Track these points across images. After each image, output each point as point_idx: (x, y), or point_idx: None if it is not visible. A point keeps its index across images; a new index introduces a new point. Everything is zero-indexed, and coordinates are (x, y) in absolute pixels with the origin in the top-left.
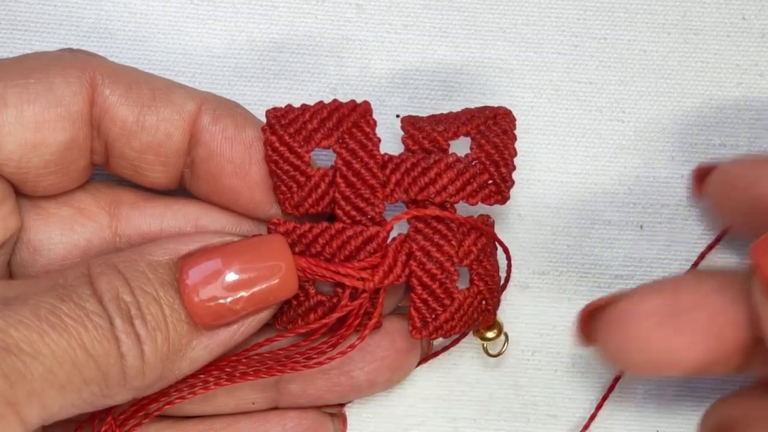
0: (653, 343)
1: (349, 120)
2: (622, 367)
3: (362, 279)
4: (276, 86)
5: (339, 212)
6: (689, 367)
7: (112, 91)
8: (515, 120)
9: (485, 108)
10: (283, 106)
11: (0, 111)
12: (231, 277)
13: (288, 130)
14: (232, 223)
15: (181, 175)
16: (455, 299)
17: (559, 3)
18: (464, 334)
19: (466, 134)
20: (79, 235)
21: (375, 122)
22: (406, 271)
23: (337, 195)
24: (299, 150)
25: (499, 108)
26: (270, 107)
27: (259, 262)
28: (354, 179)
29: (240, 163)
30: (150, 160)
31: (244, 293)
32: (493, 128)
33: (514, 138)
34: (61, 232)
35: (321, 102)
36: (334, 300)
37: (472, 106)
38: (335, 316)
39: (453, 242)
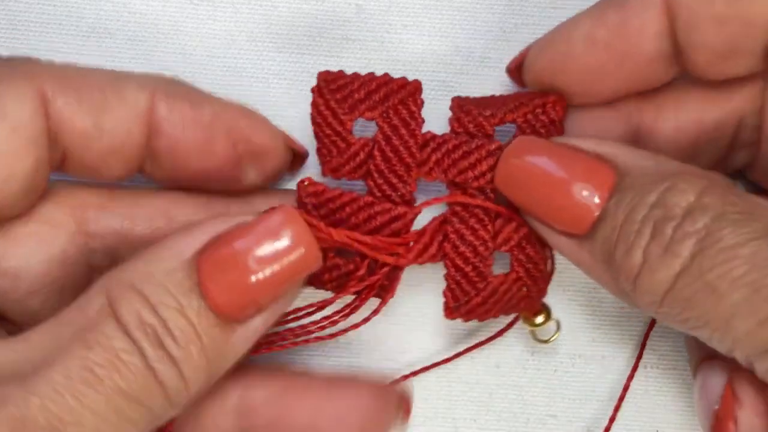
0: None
1: (396, 96)
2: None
3: (396, 255)
4: (276, 86)
5: (371, 184)
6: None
7: (65, 101)
8: (566, 107)
9: (535, 95)
10: (285, 102)
11: None
12: (251, 263)
13: (335, 95)
14: (202, 206)
15: (141, 165)
16: (489, 283)
17: (560, 3)
18: (511, 324)
19: (513, 121)
20: (53, 248)
21: (422, 102)
22: (441, 252)
23: (372, 167)
24: (343, 117)
25: (550, 96)
26: (264, 111)
27: (275, 239)
28: (391, 155)
29: (204, 145)
30: (111, 161)
31: (268, 276)
32: (541, 118)
33: (561, 130)
34: (34, 251)
35: (372, 74)
36: (351, 267)
37: None
38: (352, 288)
39: (489, 227)
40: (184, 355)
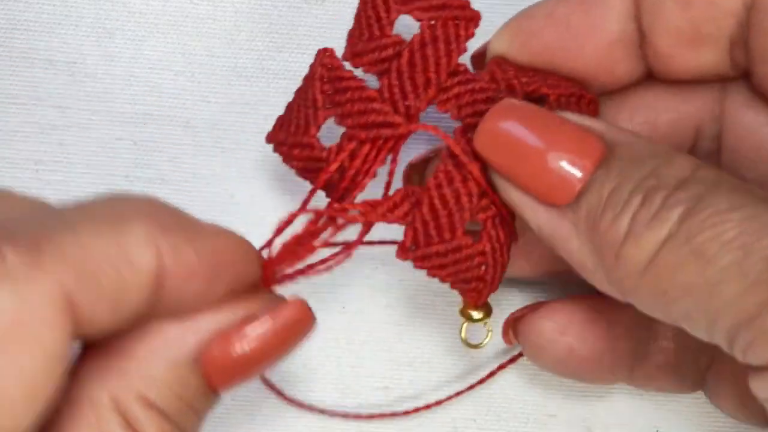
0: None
1: (451, 12)
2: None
3: (361, 213)
4: (276, 86)
5: (384, 82)
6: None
7: (83, 296)
8: (598, 110)
9: (575, 85)
10: (285, 102)
11: None
12: (262, 361)
13: None
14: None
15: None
16: (456, 238)
17: None
18: (506, 363)
19: (545, 95)
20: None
21: (473, 34)
22: (408, 218)
23: (393, 65)
24: (392, 4)
25: (587, 93)
26: (264, 111)
27: (286, 337)
28: (419, 61)
29: (205, 290)
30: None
31: (269, 364)
32: (573, 106)
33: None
34: None
35: None
36: (323, 154)
37: None
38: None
39: (480, 185)
40: None
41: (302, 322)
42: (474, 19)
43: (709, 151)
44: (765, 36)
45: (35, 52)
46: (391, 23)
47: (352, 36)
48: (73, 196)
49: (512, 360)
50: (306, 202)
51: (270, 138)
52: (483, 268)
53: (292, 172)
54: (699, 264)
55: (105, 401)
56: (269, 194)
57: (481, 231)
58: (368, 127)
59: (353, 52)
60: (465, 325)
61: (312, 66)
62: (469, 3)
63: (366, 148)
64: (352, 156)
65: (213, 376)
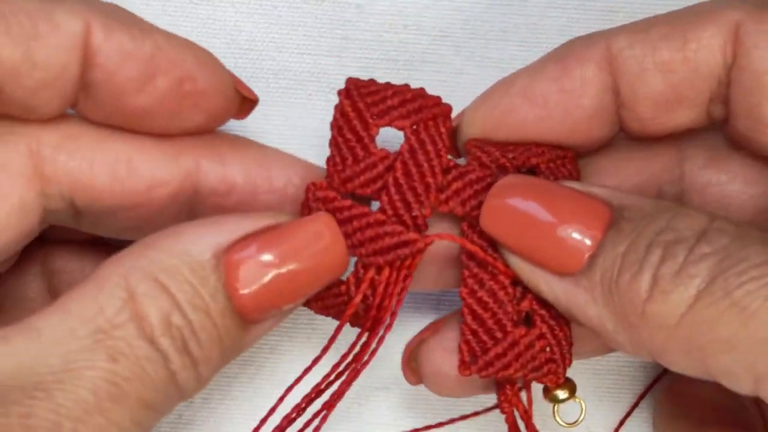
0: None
1: (429, 111)
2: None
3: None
4: (276, 86)
5: (384, 199)
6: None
7: None
8: (577, 163)
9: (551, 147)
10: (285, 101)
11: None
12: (282, 269)
13: (365, 99)
14: (170, 159)
15: (74, 100)
16: (509, 333)
17: (560, 3)
18: (527, 385)
19: (535, 166)
20: (12, 198)
21: (453, 128)
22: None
23: (389, 180)
24: (370, 121)
25: (568, 150)
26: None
27: (309, 248)
28: (413, 170)
29: (143, 80)
30: (44, 96)
31: (295, 284)
32: (561, 169)
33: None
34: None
35: (407, 85)
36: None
37: None
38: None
39: (510, 272)
40: (205, 357)
41: (329, 241)
42: (448, 112)
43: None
44: (745, 94)
45: None
46: (372, 139)
47: (335, 162)
48: None
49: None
50: (332, 339)
51: None
52: (548, 350)
53: None
54: (741, 319)
55: (114, 278)
56: None
57: (532, 316)
58: (385, 251)
59: (342, 179)
60: (556, 408)
61: (304, 203)
62: (440, 98)
63: (386, 272)
64: (374, 284)
65: (234, 282)
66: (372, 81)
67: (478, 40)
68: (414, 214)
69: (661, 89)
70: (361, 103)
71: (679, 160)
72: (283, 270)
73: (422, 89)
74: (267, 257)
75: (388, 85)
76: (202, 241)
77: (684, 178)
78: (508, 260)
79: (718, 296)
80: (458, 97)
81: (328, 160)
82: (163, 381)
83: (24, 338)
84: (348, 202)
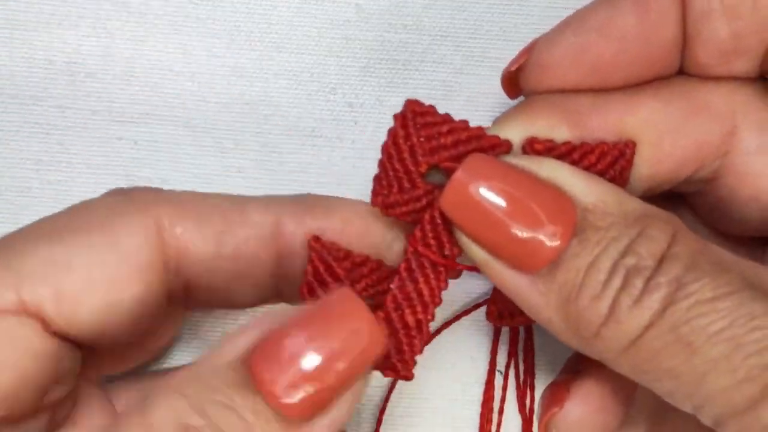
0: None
1: (478, 143)
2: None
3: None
4: (276, 86)
5: (418, 234)
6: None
7: (184, 228)
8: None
9: (604, 143)
10: (285, 101)
11: (66, 277)
12: (309, 356)
13: (420, 132)
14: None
15: (276, 291)
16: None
17: (560, 3)
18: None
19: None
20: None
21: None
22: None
23: (426, 217)
24: (420, 158)
25: (628, 143)
26: (264, 111)
27: (334, 327)
28: None
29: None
30: (239, 287)
31: (330, 369)
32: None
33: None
34: None
35: (465, 122)
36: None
37: (471, 106)
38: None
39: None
40: None
41: (348, 313)
42: (507, 150)
43: (701, 179)
44: None
45: (35, 52)
46: (421, 174)
47: (380, 185)
48: (73, 196)
49: (477, 306)
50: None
51: None
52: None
53: (292, 171)
54: (685, 353)
55: (139, 415)
56: (269, 194)
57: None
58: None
59: (386, 204)
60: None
61: (310, 259)
62: (498, 138)
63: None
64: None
65: (259, 373)
66: (431, 109)
67: (478, 39)
68: (447, 253)
69: (724, 35)
70: (415, 137)
71: (731, 136)
72: (312, 356)
73: (480, 129)
74: (288, 347)
75: (446, 118)
76: (223, 348)
77: (731, 156)
78: (460, 240)
79: (665, 330)
80: (458, 97)
81: (375, 178)
82: None
83: None
84: (359, 258)
